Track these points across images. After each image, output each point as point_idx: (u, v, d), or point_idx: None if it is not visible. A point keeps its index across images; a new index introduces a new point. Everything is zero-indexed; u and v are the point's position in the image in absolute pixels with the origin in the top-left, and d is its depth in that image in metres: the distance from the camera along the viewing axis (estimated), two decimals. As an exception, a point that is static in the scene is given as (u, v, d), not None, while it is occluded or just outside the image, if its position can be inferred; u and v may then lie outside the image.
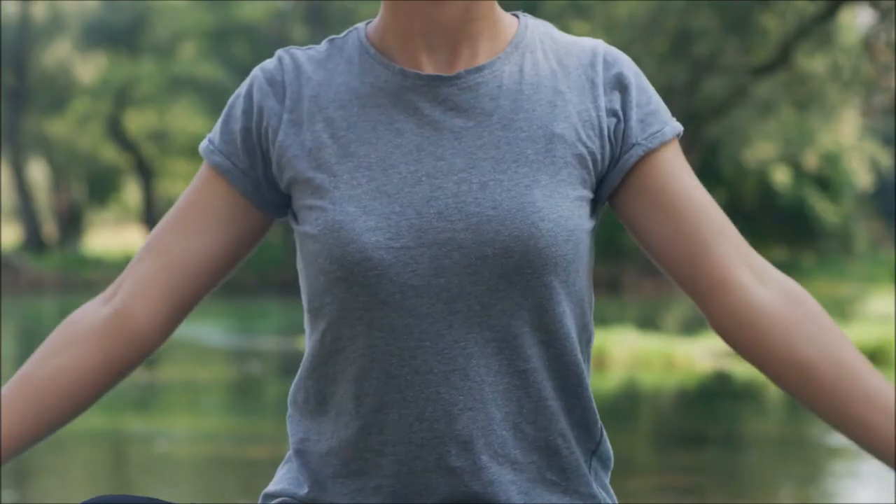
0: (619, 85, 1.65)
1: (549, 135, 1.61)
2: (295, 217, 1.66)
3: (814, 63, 22.61)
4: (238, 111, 1.68)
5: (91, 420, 9.51)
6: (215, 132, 1.69)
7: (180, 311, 1.71)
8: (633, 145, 1.64)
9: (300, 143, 1.63)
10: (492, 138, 1.61)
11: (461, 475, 1.61)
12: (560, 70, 1.65)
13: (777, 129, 30.70)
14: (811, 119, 29.43)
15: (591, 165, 1.63)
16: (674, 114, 1.70)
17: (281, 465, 1.74)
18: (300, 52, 1.68)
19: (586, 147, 1.62)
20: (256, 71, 1.69)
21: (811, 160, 32.29)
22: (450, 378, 1.60)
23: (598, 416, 1.67)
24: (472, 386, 1.60)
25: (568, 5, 23.71)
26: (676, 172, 1.65)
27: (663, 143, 1.64)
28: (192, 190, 1.70)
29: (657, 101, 1.67)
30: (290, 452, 1.73)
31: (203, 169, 1.69)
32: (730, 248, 1.64)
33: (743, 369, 13.75)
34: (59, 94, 38.39)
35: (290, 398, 1.72)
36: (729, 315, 1.64)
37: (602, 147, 1.63)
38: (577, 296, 1.63)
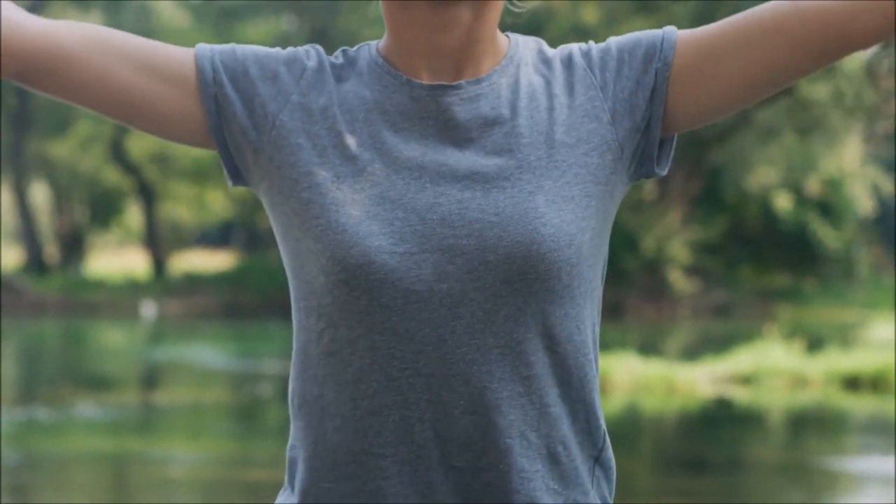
0: (603, 55, 1.67)
1: (550, 140, 1.62)
2: (279, 200, 1.65)
3: (816, 89, 22.63)
4: (251, 57, 1.67)
5: (93, 442, 9.49)
6: (223, 49, 1.68)
7: (49, 81, 1.67)
8: (655, 72, 1.64)
9: (305, 133, 1.63)
10: (494, 146, 1.62)
11: (463, 474, 1.61)
12: (550, 74, 1.66)
13: (779, 155, 30.71)
14: (813, 145, 29.45)
15: (597, 159, 1.63)
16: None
17: (280, 492, 1.73)
18: (325, 54, 1.70)
19: (590, 143, 1.63)
20: (289, 49, 1.70)
21: (813, 186, 32.29)
22: (451, 382, 1.59)
23: (602, 422, 1.66)
24: (473, 392, 1.59)
25: (570, 28, 23.77)
26: (698, 38, 1.66)
27: (673, 45, 1.66)
28: (170, 48, 1.68)
29: (640, 33, 1.70)
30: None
31: (189, 54, 1.67)
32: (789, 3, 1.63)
33: (744, 395, 13.73)
34: (61, 116, 38.46)
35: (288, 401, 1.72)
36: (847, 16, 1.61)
37: (611, 124, 1.64)
38: (582, 300, 1.63)
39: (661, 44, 1.65)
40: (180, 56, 1.66)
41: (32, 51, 1.63)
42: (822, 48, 1.62)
